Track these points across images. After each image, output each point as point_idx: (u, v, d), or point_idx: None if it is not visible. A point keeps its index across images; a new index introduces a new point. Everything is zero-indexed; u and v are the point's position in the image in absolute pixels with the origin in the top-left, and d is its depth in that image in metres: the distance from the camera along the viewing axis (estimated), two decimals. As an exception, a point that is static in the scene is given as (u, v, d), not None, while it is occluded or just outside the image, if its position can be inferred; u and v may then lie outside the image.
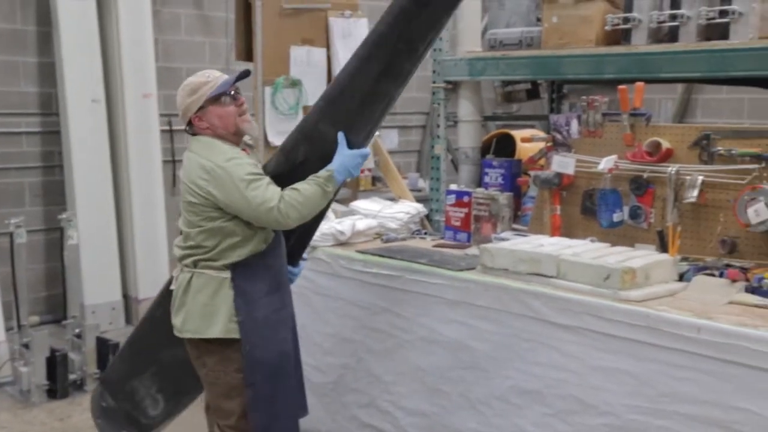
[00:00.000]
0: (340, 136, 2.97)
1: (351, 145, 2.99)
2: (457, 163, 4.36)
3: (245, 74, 3.10)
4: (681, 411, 2.75)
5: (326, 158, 2.99)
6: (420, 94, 7.56)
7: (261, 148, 5.02)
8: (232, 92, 2.94)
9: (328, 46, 4.87)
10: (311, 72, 4.90)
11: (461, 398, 3.38)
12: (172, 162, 6.92)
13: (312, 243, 3.51)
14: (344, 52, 4.86)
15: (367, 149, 3.08)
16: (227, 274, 2.91)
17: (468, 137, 4.33)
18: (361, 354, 3.76)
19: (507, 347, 3.23)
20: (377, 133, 4.36)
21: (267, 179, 2.89)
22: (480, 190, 3.99)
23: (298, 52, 4.78)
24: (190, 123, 2.97)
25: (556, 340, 3.07)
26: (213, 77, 2.93)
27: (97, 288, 6.01)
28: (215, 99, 2.89)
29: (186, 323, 2.97)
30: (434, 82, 4.35)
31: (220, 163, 2.82)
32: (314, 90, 5.03)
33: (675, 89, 7.22)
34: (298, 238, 3.17)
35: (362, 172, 4.89)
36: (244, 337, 2.91)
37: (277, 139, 5.08)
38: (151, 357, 3.49)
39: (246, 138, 3.09)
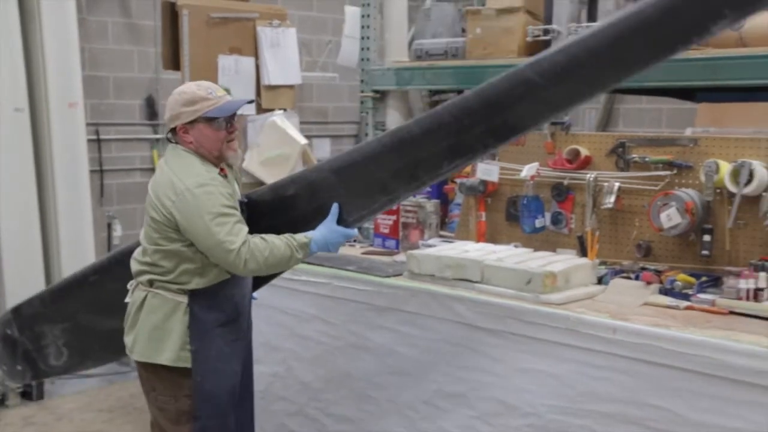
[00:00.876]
0: (335, 207, 2.84)
1: (340, 221, 2.86)
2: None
3: (250, 102, 3.03)
4: (599, 410, 2.83)
5: (315, 203, 2.89)
6: (352, 104, 7.60)
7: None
8: (230, 119, 2.81)
9: (256, 55, 4.90)
10: (240, 80, 4.90)
11: (388, 403, 3.42)
12: (99, 172, 6.81)
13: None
14: (273, 62, 4.90)
15: (355, 231, 2.93)
16: (184, 299, 2.78)
17: (395, 145, 4.37)
18: (290, 362, 3.77)
19: (433, 352, 3.27)
20: (308, 142, 4.40)
21: (236, 217, 2.73)
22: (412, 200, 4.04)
23: (226, 60, 4.78)
24: (173, 130, 2.79)
25: (481, 344, 3.13)
26: (215, 96, 2.75)
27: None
28: (210, 119, 2.74)
29: (136, 344, 2.85)
30: (362, 92, 4.40)
31: (191, 188, 2.67)
32: (243, 97, 5.06)
33: (598, 99, 7.39)
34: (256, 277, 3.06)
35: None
36: (195, 368, 2.79)
37: (206, 149, 5.07)
38: (68, 313, 3.45)
39: None
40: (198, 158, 2.78)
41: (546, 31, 3.76)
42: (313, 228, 2.84)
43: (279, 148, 4.44)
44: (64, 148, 6.16)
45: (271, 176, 4.32)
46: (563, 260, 3.25)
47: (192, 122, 2.74)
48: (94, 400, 5.01)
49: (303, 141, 4.29)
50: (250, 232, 2.76)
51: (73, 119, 6.19)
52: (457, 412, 3.20)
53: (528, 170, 3.59)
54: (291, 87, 4.99)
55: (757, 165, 3.05)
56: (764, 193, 3.05)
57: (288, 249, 2.75)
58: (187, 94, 2.75)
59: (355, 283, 3.50)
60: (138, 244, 2.96)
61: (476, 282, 3.21)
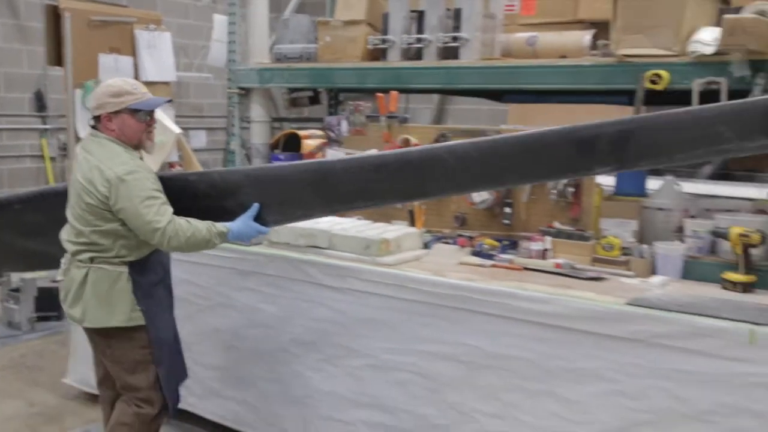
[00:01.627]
0: (255, 207, 2.76)
1: (258, 219, 2.78)
2: (251, 157, 4.38)
3: (168, 101, 2.95)
4: (423, 349, 2.95)
5: (235, 200, 2.79)
6: (224, 101, 7.40)
7: (72, 143, 4.78)
8: (150, 113, 2.75)
9: (134, 55, 4.73)
10: (119, 77, 4.73)
11: (251, 352, 3.43)
12: (-8, 158, 6.40)
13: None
14: (149, 61, 4.75)
15: (268, 229, 2.83)
16: (124, 269, 2.72)
17: (259, 135, 4.35)
18: (166, 321, 3.69)
19: (289, 308, 3.31)
20: (182, 131, 4.30)
21: (162, 199, 2.66)
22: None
23: (106, 59, 4.59)
24: (98, 118, 2.70)
25: (328, 299, 3.18)
26: (139, 92, 2.71)
27: None
28: (134, 111, 2.68)
29: (86, 314, 2.75)
30: (230, 88, 4.34)
31: (121, 175, 2.59)
32: (163, 97, 4.90)
33: (432, 100, 7.58)
34: None
35: (172, 166, 4.79)
36: (149, 323, 2.76)
37: (89, 136, 4.86)
38: None
39: None
40: (121, 146, 2.69)
41: (383, 41, 3.82)
42: (228, 219, 2.78)
43: (157, 136, 4.31)
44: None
45: (149, 161, 4.20)
46: (396, 229, 3.35)
47: (116, 112, 2.67)
48: (-14, 362, 4.74)
49: (177, 130, 4.18)
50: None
51: (-36, 110, 5.77)
52: (308, 356, 3.25)
53: (368, 156, 3.65)
54: (167, 83, 4.86)
55: (546, 152, 3.25)
56: (551, 174, 3.26)
57: (208, 234, 2.69)
58: (114, 87, 2.70)
59: (222, 251, 3.43)
60: (63, 189, 2.84)
61: (325, 248, 3.26)
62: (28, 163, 6.67)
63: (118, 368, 2.84)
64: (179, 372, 2.96)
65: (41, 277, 5.51)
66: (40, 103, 6.67)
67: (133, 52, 4.75)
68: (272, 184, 2.80)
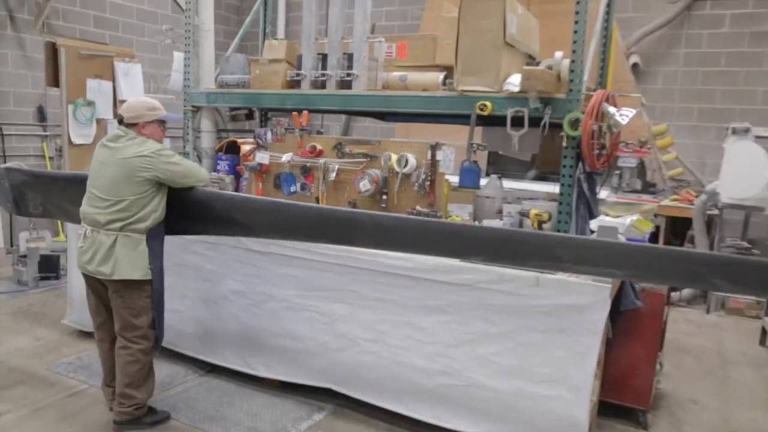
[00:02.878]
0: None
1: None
2: (201, 158, 4.22)
3: (177, 119, 2.99)
4: (322, 295, 2.97)
5: (222, 203, 2.80)
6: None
7: (66, 146, 4.49)
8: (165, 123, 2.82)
9: (113, 80, 4.48)
10: (101, 96, 4.51)
11: (199, 299, 3.34)
12: (3, 157, 5.86)
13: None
14: (124, 85, 4.53)
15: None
16: (143, 237, 2.67)
17: (207, 141, 4.19)
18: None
19: (227, 266, 3.24)
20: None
21: (179, 157, 2.75)
22: (215, 174, 3.92)
23: (92, 83, 4.35)
24: (132, 124, 2.71)
25: (255, 260, 3.14)
26: (162, 108, 2.80)
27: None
28: (161, 121, 2.78)
29: (116, 269, 2.66)
30: (185, 106, 4.17)
31: (155, 151, 2.66)
32: (104, 108, 4.62)
33: (341, 119, 7.52)
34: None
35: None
36: (154, 278, 2.72)
37: (79, 140, 4.57)
38: (44, 190, 3.24)
39: None
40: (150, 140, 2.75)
41: (298, 74, 3.76)
42: (235, 230, 2.81)
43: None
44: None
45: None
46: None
47: (150, 122, 2.73)
48: (1, 307, 4.39)
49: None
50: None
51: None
52: (240, 302, 3.20)
53: (286, 157, 3.59)
54: (139, 102, 4.61)
55: (410, 156, 3.28)
56: (414, 172, 3.30)
57: (201, 169, 2.82)
58: (149, 103, 2.77)
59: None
60: (85, 176, 2.80)
61: (253, 224, 3.19)
62: (32, 162, 6.15)
63: (127, 312, 2.74)
64: (163, 317, 2.86)
65: (42, 247, 5.16)
66: (41, 115, 6.17)
67: (112, 78, 4.50)
68: (244, 208, 2.76)
